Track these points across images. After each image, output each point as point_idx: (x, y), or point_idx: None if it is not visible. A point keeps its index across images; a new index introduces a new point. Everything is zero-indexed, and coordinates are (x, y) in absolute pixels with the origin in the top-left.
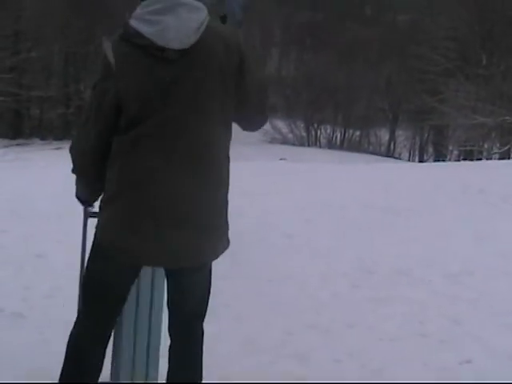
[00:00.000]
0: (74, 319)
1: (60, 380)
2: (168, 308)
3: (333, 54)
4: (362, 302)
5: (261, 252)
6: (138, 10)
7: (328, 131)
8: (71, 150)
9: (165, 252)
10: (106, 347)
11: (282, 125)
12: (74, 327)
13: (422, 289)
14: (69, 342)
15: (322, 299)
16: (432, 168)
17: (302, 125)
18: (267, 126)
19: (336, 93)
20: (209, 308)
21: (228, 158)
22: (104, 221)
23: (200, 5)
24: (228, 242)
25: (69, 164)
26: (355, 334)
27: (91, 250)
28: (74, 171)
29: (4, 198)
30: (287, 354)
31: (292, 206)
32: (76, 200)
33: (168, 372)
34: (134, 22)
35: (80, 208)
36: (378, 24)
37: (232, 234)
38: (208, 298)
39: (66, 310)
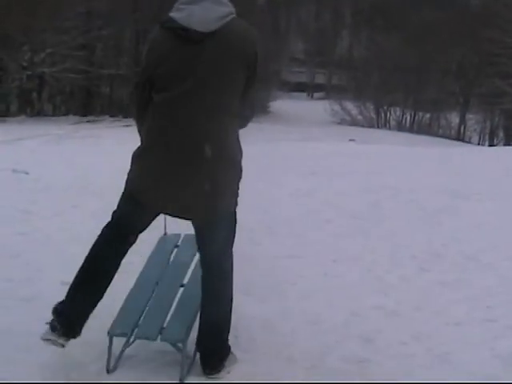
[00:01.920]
0: None
1: (67, 294)
2: (198, 250)
3: (404, 36)
4: (429, 286)
5: (326, 233)
6: (175, 4)
7: (398, 113)
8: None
9: (174, 206)
10: (119, 261)
11: (351, 106)
12: (98, 237)
13: (489, 274)
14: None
15: (390, 281)
16: (503, 152)
17: (372, 106)
18: (337, 107)
19: (406, 75)
20: (276, 286)
21: (237, 135)
22: (132, 174)
23: (226, 1)
24: (232, 204)
25: (138, 141)
26: (422, 317)
27: (122, 193)
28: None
29: (75, 175)
30: (352, 335)
31: (360, 188)
32: None
33: (201, 304)
34: (171, 13)
35: None
36: (450, 6)
37: (298, 214)
38: (230, 243)
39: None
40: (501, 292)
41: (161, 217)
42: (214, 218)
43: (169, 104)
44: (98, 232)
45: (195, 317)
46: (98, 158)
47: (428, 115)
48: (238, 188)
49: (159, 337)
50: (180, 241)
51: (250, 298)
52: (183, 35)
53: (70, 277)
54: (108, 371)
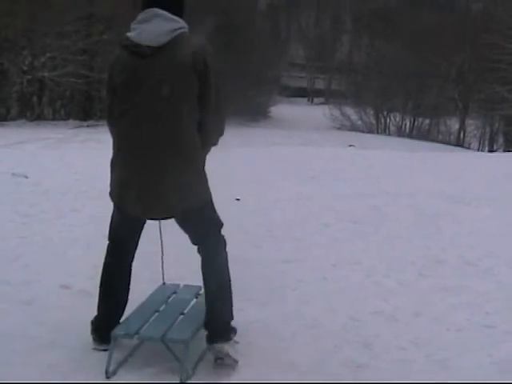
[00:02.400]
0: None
1: (97, 308)
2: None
3: (404, 42)
4: (429, 291)
5: (326, 237)
6: (131, 24)
7: (397, 119)
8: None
9: (152, 212)
10: (129, 274)
11: (351, 111)
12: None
13: (489, 280)
14: (101, 274)
15: (389, 286)
16: (502, 158)
17: (372, 112)
18: (336, 113)
19: (406, 81)
20: (275, 291)
21: (193, 137)
22: (111, 182)
23: (176, 18)
24: (199, 199)
25: None
26: (421, 322)
27: (113, 204)
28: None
29: (75, 178)
30: (351, 340)
31: (360, 193)
32: None
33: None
34: (129, 32)
35: None
36: (450, 12)
37: (297, 218)
38: (212, 226)
39: (132, 290)
40: (500, 298)
41: (159, 266)
42: (189, 211)
43: (128, 113)
44: (97, 236)
45: (198, 330)
46: (97, 162)
47: (427, 121)
48: (206, 179)
49: (163, 337)
50: (178, 289)
51: (249, 303)
52: (135, 51)
53: (69, 280)
54: (107, 374)
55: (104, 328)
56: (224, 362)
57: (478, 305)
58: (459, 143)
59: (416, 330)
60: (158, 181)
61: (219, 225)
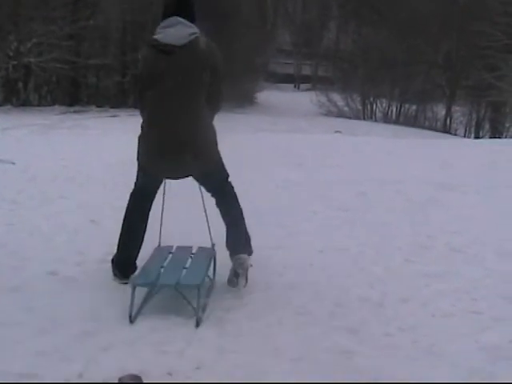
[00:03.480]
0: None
1: (117, 247)
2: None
3: (391, 29)
4: (415, 278)
5: (313, 224)
6: (157, 29)
7: (384, 105)
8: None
9: (171, 170)
10: (147, 218)
11: (337, 98)
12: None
13: (475, 266)
14: (123, 218)
15: (376, 273)
16: (488, 144)
17: (358, 98)
18: (323, 99)
19: (393, 67)
20: (262, 277)
21: (210, 126)
22: (141, 151)
23: (192, 25)
24: (214, 155)
25: (125, 131)
26: (408, 309)
27: (138, 168)
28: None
29: (62, 165)
30: (338, 326)
31: (347, 180)
32: (128, 169)
33: (222, 217)
34: (155, 35)
35: (132, 177)
36: None
37: (284, 205)
38: (225, 177)
39: None
40: (487, 284)
41: (156, 231)
42: (205, 169)
43: (157, 98)
44: (84, 222)
45: (204, 278)
46: (84, 148)
47: (414, 107)
48: (216, 143)
49: (177, 284)
50: (173, 249)
51: (235, 289)
52: (163, 49)
53: (56, 266)
54: (130, 319)
55: (125, 264)
56: (238, 281)
57: (465, 291)
58: (446, 130)
59: (403, 316)
60: (182, 144)
61: (228, 175)
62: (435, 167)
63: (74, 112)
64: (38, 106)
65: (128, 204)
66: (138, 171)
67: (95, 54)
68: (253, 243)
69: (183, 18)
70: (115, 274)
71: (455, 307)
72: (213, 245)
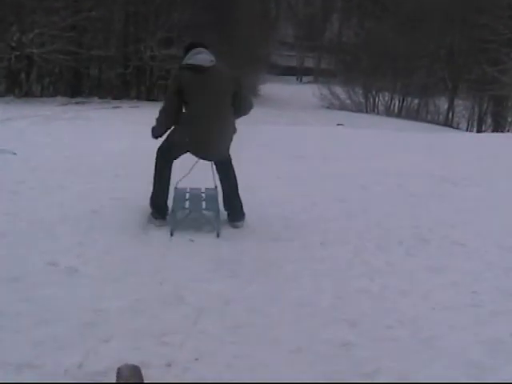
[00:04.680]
0: None
1: (153, 197)
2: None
3: (394, 22)
4: (416, 271)
5: (314, 216)
6: (188, 56)
7: (386, 98)
8: (161, 112)
9: (208, 155)
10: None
11: (340, 91)
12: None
13: (477, 260)
14: (155, 173)
15: (376, 266)
16: (490, 138)
17: (361, 91)
18: (325, 92)
19: (396, 60)
20: (262, 269)
21: (233, 126)
22: (180, 137)
23: (211, 54)
24: (228, 153)
25: (126, 123)
26: (408, 301)
27: (171, 142)
28: (158, 122)
29: (63, 156)
30: (338, 318)
31: (348, 172)
32: (130, 160)
33: (221, 186)
34: (186, 60)
35: (133, 168)
36: None
37: (286, 197)
38: (231, 162)
39: (119, 267)
40: (487, 278)
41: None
42: (222, 158)
43: (197, 107)
44: (85, 212)
45: (218, 205)
46: (86, 139)
47: (416, 101)
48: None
49: (204, 209)
50: (188, 189)
51: (236, 281)
52: (195, 69)
53: (56, 257)
54: (171, 233)
55: (162, 206)
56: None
57: (465, 284)
58: (448, 123)
59: (403, 308)
60: (215, 139)
61: (231, 159)
62: (437, 160)
63: (76, 103)
64: (40, 96)
65: (157, 163)
66: (173, 145)
67: (98, 45)
68: (253, 234)
69: (204, 48)
70: (155, 216)
71: (455, 300)
72: (215, 186)
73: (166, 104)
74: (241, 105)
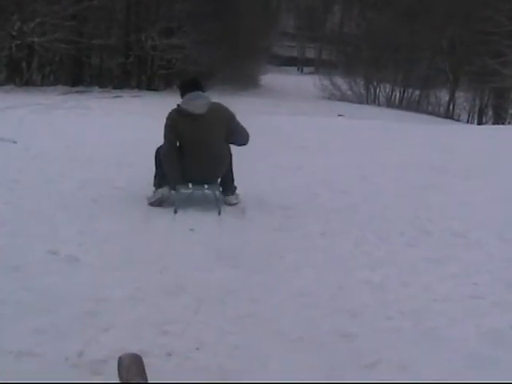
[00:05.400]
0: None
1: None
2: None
3: (396, 13)
4: (417, 262)
5: (315, 207)
6: (183, 100)
7: (387, 90)
8: (165, 157)
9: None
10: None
11: (341, 82)
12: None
13: (477, 251)
14: (162, 159)
15: (377, 256)
16: (491, 130)
17: (362, 82)
18: (326, 82)
19: (397, 52)
20: (263, 259)
21: (228, 153)
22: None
23: (205, 95)
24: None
25: (127, 112)
26: (409, 292)
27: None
28: (166, 168)
29: (64, 145)
30: (339, 309)
31: (349, 163)
32: (131, 149)
33: None
34: (181, 104)
35: (134, 157)
36: None
37: (287, 188)
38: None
39: (120, 256)
40: (488, 269)
41: None
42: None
43: (189, 145)
44: (85, 201)
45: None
46: (86, 128)
47: (417, 92)
48: (231, 163)
49: (207, 189)
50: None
51: (237, 271)
52: (189, 117)
53: (57, 245)
54: (175, 211)
55: (165, 176)
56: (232, 204)
57: (466, 276)
58: (448, 115)
59: (403, 299)
60: (210, 171)
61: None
62: (438, 152)
63: (77, 92)
64: (41, 85)
65: (165, 147)
66: (168, 143)
67: (99, 34)
68: (255, 225)
69: (200, 90)
70: (159, 186)
71: (456, 292)
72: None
73: (166, 147)
74: (237, 139)
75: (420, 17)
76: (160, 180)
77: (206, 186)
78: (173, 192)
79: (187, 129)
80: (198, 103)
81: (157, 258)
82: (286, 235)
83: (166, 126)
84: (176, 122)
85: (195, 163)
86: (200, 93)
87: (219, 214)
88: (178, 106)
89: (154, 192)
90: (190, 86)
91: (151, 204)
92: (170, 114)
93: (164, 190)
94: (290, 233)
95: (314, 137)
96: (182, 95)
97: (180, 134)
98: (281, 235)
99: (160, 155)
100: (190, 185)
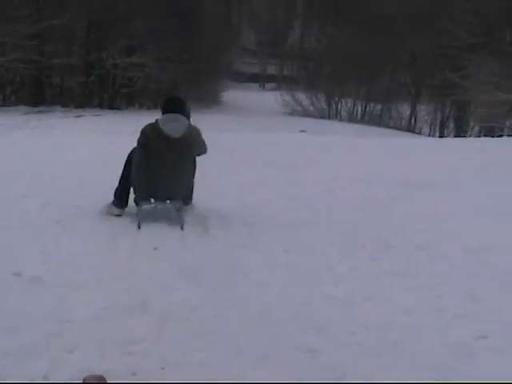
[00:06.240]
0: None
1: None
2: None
3: (356, 28)
4: (380, 275)
5: (279, 223)
6: (161, 118)
7: (349, 104)
8: (135, 167)
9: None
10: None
11: (303, 97)
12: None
13: (440, 263)
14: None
15: (340, 271)
16: (453, 143)
17: (323, 97)
18: (288, 98)
19: (358, 66)
20: (227, 276)
21: (193, 168)
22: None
23: (184, 119)
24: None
25: (89, 131)
26: (372, 306)
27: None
28: (133, 179)
29: (27, 164)
30: (303, 325)
31: (312, 178)
32: (93, 168)
33: None
34: (159, 122)
35: (97, 175)
36: None
37: (250, 204)
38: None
39: (84, 276)
40: (451, 282)
41: None
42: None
43: (158, 162)
44: (48, 222)
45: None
46: (49, 148)
47: (379, 106)
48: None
49: (169, 203)
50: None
51: (201, 289)
52: (163, 136)
53: (21, 266)
54: (139, 226)
55: (125, 193)
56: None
57: (429, 288)
58: (410, 129)
59: (367, 313)
60: (175, 190)
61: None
62: (400, 166)
63: (39, 112)
64: (2, 106)
65: (136, 159)
66: (139, 152)
67: (59, 53)
68: (218, 242)
69: (179, 113)
70: (115, 204)
71: (419, 305)
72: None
73: (138, 160)
74: (199, 153)
75: (381, 31)
76: (120, 199)
77: (167, 201)
78: (136, 207)
79: (159, 149)
80: (175, 126)
81: (121, 277)
82: (250, 252)
83: (138, 140)
84: (149, 140)
85: (162, 182)
86: (179, 116)
87: (182, 228)
88: (156, 121)
89: (110, 207)
90: (171, 105)
91: (102, 213)
92: (146, 128)
93: (119, 211)
94: (253, 249)
95: (277, 153)
96: (163, 112)
97: (151, 152)
98: (244, 252)
99: (132, 162)
100: (153, 200)
